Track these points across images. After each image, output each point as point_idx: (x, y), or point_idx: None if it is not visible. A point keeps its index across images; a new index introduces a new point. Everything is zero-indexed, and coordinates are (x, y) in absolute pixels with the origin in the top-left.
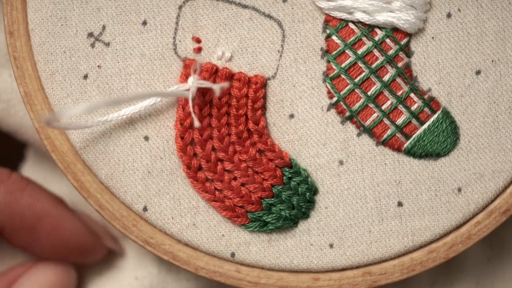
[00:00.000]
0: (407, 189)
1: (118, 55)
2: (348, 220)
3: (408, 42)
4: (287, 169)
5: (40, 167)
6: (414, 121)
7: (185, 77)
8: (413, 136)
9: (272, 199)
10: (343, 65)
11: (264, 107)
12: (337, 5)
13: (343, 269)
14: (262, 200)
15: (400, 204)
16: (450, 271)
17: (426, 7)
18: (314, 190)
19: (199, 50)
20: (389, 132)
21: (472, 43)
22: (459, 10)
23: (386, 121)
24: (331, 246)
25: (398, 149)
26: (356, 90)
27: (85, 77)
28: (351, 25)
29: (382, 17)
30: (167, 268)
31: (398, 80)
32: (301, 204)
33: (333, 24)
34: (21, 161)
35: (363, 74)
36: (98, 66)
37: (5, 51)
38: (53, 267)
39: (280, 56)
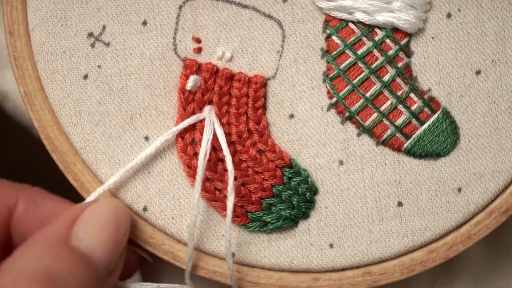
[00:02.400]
0: (407, 189)
1: (118, 55)
2: (348, 220)
3: (408, 42)
4: (287, 169)
5: None
6: (414, 121)
7: (185, 77)
8: (413, 136)
9: (272, 199)
10: (343, 66)
11: (264, 107)
12: (337, 5)
13: (343, 269)
14: (262, 200)
15: (400, 204)
16: (450, 270)
17: (426, 7)
18: (314, 190)
19: (199, 50)
20: (389, 132)
21: (472, 43)
22: (459, 10)
23: (385, 121)
24: (331, 246)
25: (398, 149)
26: (355, 91)
27: (85, 77)
28: (351, 25)
29: (382, 17)
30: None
31: (398, 80)
32: (301, 204)
33: (333, 24)
34: None
35: (363, 74)
36: (98, 66)
37: (6, 52)
38: (109, 203)
39: (280, 56)
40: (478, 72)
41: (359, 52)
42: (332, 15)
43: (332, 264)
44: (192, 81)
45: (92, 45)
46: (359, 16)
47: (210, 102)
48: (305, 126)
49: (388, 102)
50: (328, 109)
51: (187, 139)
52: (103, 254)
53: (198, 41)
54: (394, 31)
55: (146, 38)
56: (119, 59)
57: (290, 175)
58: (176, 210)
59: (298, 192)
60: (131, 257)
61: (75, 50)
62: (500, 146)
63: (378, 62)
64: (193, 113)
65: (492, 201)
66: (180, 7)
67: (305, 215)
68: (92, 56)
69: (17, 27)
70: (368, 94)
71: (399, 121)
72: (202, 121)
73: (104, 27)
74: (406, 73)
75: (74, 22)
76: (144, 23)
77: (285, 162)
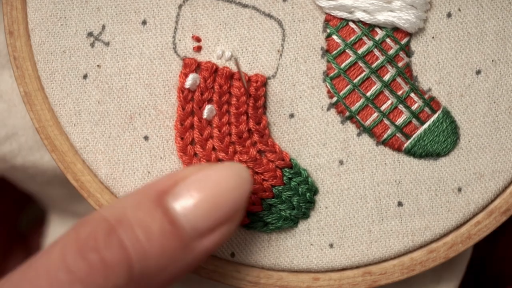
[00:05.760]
0: (407, 189)
1: (118, 54)
2: (348, 220)
3: (409, 41)
4: (287, 170)
5: None
6: (414, 121)
7: (184, 75)
8: (413, 136)
9: (273, 199)
10: (343, 65)
11: (264, 107)
12: (338, 4)
13: (343, 269)
14: (262, 201)
15: (400, 204)
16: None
17: (426, 7)
18: (314, 190)
19: (199, 49)
20: (389, 132)
21: (472, 43)
22: (459, 10)
23: (386, 121)
24: (331, 246)
25: (398, 149)
26: (356, 90)
27: (85, 76)
28: (352, 25)
29: (382, 17)
30: None
31: (398, 79)
32: (301, 204)
33: (334, 24)
34: None
35: (364, 73)
36: (98, 65)
37: (5, 51)
38: (224, 168)
39: (280, 55)
40: (478, 72)
41: (360, 51)
42: (332, 14)
43: (332, 264)
44: (191, 79)
45: (92, 45)
46: (360, 15)
47: (209, 101)
48: (305, 125)
49: (389, 102)
50: (328, 109)
51: (187, 139)
52: (196, 221)
53: (197, 40)
54: (394, 30)
55: (145, 37)
56: (119, 58)
57: (290, 176)
58: None
59: (298, 193)
60: None
61: (74, 50)
62: (500, 146)
63: (379, 61)
64: (192, 112)
65: (492, 201)
66: (180, 6)
67: (305, 215)
68: (91, 55)
69: (17, 27)
70: (368, 94)
71: (400, 121)
72: (201, 120)
73: (103, 27)
74: (407, 73)
75: (74, 22)
76: (144, 22)
77: (285, 162)
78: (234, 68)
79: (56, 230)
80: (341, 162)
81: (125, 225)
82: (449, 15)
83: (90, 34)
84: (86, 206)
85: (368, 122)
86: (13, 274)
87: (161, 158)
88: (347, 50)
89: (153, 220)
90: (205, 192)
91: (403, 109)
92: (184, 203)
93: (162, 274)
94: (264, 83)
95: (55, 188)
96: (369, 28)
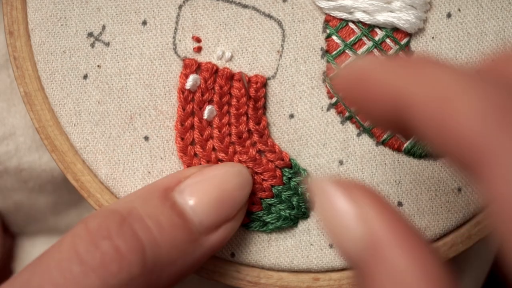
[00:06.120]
0: (407, 189)
1: (118, 55)
2: None
3: (408, 42)
4: (287, 170)
5: None
6: None
7: (184, 76)
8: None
9: (272, 199)
10: (343, 65)
11: (264, 107)
12: (337, 5)
13: (343, 269)
14: (261, 201)
15: (400, 204)
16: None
17: (426, 7)
18: None
19: (199, 49)
20: (388, 132)
21: (472, 43)
22: (459, 10)
23: None
24: (331, 246)
25: (398, 149)
26: None
27: (85, 77)
28: (351, 25)
29: (382, 17)
30: None
31: None
32: (301, 204)
33: (333, 24)
34: None
35: None
36: (98, 66)
37: (3, 51)
38: (226, 168)
39: (280, 56)
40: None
41: (359, 52)
42: (332, 14)
43: (332, 264)
44: (191, 80)
45: (92, 45)
46: (359, 15)
47: (209, 101)
48: (305, 126)
49: None
50: (328, 109)
51: (187, 140)
52: (203, 216)
53: (198, 40)
54: (394, 31)
55: (146, 38)
56: (119, 59)
57: (290, 175)
58: None
59: (298, 192)
60: None
61: (75, 50)
62: None
63: None
64: (193, 112)
65: None
66: (180, 7)
67: (305, 215)
68: (92, 56)
69: (17, 27)
70: None
71: None
72: (201, 121)
73: (104, 27)
74: None
75: (74, 22)
76: (144, 22)
77: (285, 162)
78: (234, 69)
79: (26, 252)
80: (341, 162)
81: (135, 217)
82: (449, 15)
83: (90, 35)
84: (68, 220)
85: (367, 122)
86: (23, 270)
87: (161, 158)
88: (346, 51)
89: (162, 213)
90: (209, 190)
91: None
92: (190, 199)
93: (172, 267)
94: (264, 84)
95: (44, 195)
96: (369, 28)
